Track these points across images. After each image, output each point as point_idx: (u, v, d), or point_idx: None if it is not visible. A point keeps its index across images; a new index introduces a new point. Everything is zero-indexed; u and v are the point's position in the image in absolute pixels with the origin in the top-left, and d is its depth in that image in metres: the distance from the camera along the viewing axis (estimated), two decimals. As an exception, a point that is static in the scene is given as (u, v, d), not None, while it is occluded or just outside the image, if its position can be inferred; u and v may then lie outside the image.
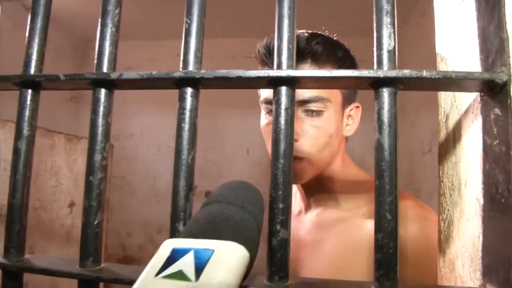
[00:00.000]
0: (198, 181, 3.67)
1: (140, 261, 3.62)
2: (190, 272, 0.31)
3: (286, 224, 0.43)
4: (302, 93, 0.72)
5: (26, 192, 0.52)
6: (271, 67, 0.78)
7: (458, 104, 0.56)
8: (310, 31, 0.83)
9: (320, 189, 0.85)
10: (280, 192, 0.43)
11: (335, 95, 0.78)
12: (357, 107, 0.86)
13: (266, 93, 0.79)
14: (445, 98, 0.61)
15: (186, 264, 0.32)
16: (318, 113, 0.75)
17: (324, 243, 0.81)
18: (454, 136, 0.57)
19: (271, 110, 0.78)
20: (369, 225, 0.74)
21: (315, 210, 0.87)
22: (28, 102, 0.52)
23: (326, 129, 0.76)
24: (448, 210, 0.58)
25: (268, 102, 0.79)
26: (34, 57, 0.52)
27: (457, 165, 0.56)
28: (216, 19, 2.99)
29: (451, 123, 0.58)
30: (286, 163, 0.44)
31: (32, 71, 0.52)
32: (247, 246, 0.36)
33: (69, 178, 2.19)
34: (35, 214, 1.89)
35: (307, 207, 0.90)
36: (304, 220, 0.90)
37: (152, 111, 3.80)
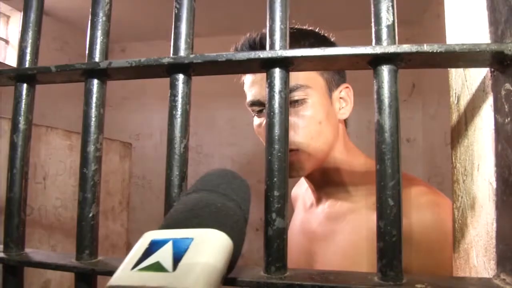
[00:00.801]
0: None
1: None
2: (167, 262, 0.30)
3: (282, 212, 0.41)
4: None
5: (24, 186, 0.52)
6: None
7: (469, 84, 0.53)
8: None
9: (328, 180, 0.82)
10: (275, 179, 0.41)
11: (316, 80, 0.76)
12: (347, 87, 0.83)
13: (250, 96, 0.78)
14: (456, 78, 0.57)
15: (163, 255, 0.31)
16: (301, 101, 0.74)
17: (335, 235, 0.79)
18: (466, 118, 0.53)
19: (259, 111, 0.77)
20: None
21: (326, 202, 0.85)
22: (24, 97, 0.52)
23: (313, 116, 0.74)
24: (462, 197, 0.55)
25: (253, 103, 0.78)
26: (28, 50, 0.52)
27: (469, 149, 0.52)
28: (221, 17, 2.98)
29: (463, 104, 0.55)
30: (280, 149, 0.41)
31: (26, 64, 0.52)
32: (229, 233, 0.34)
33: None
34: (56, 213, 1.92)
35: (318, 200, 0.88)
36: (316, 212, 0.88)
37: (165, 110, 3.82)
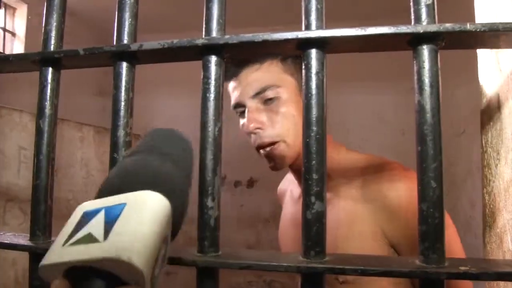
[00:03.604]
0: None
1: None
2: (98, 232, 0.28)
3: (321, 195, 0.40)
4: (251, 88, 0.79)
5: (51, 172, 0.51)
6: None
7: (502, 66, 0.52)
8: None
9: None
10: (314, 162, 0.40)
11: (286, 80, 0.81)
12: None
13: (232, 100, 0.85)
14: (487, 61, 0.56)
15: (95, 225, 0.29)
16: (274, 99, 0.80)
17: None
18: (499, 101, 0.52)
19: (242, 112, 0.83)
20: (364, 197, 0.76)
21: None
22: (49, 81, 0.51)
23: (286, 111, 0.80)
24: (493, 182, 0.54)
25: (236, 106, 0.84)
26: (53, 34, 0.51)
27: (502, 132, 0.51)
28: (243, 9, 2.94)
29: (494, 88, 0.54)
30: (319, 130, 0.41)
31: (52, 47, 0.51)
32: (168, 194, 0.32)
33: (99, 170, 2.22)
34: (68, 205, 1.92)
35: None
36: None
37: (180, 103, 3.80)
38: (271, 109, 0.80)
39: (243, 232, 3.62)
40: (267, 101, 0.80)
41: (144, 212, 0.30)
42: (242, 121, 0.85)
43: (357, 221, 0.75)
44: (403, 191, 0.71)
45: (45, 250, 0.49)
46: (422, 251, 0.38)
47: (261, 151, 0.81)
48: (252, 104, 0.79)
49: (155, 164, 0.35)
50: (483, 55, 0.57)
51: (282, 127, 0.80)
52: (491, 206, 0.54)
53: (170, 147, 0.38)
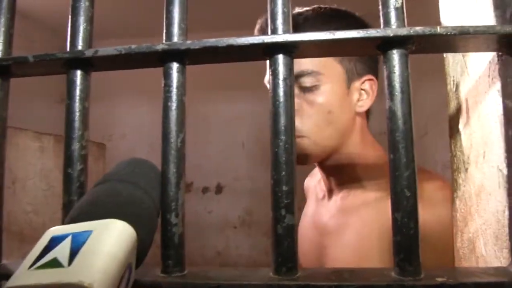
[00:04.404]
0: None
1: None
2: (64, 258, 0.30)
3: (291, 208, 0.38)
4: None
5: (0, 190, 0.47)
6: None
7: (470, 70, 0.51)
8: (305, 8, 0.78)
9: (341, 172, 0.79)
10: (283, 173, 0.38)
11: (332, 67, 0.73)
12: (371, 79, 0.78)
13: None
14: (454, 65, 0.56)
15: (61, 250, 0.30)
16: (312, 88, 0.72)
17: (347, 228, 0.76)
18: (467, 105, 0.52)
19: None
20: None
21: (339, 194, 0.82)
22: (-4, 91, 0.47)
23: (322, 104, 0.72)
24: (464, 186, 0.54)
25: None
26: (1, 39, 0.47)
27: (472, 136, 0.51)
28: (209, 13, 2.91)
29: (463, 91, 0.53)
30: (288, 140, 0.39)
31: (-1, 55, 0.47)
32: (134, 222, 0.34)
33: (60, 181, 2.12)
34: (26, 218, 1.82)
35: (330, 192, 0.85)
36: (328, 205, 0.85)
37: (143, 110, 3.73)
38: (305, 98, 0.72)
39: (211, 239, 3.58)
40: (303, 89, 0.72)
41: (108, 240, 0.31)
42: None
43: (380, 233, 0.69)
44: (447, 214, 0.61)
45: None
46: (398, 262, 0.37)
47: None
48: None
49: (124, 192, 0.37)
50: (451, 59, 0.56)
51: (311, 122, 0.72)
52: (462, 211, 0.54)
53: (140, 176, 0.39)
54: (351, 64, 0.75)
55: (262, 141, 3.70)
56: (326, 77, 0.72)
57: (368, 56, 0.76)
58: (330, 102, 0.72)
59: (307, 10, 0.76)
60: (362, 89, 0.77)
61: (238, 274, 0.40)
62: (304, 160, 0.75)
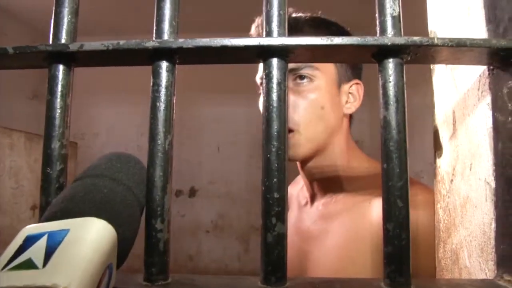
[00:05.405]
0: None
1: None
2: (39, 258, 0.28)
3: (282, 216, 0.37)
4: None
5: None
6: None
7: (458, 83, 0.52)
8: (293, 14, 0.79)
9: (324, 175, 0.80)
10: (275, 179, 0.37)
11: (327, 66, 0.76)
12: (357, 83, 0.82)
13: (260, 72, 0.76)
14: (442, 78, 0.56)
15: (36, 250, 0.29)
16: (308, 80, 0.73)
17: (329, 234, 0.76)
18: (454, 117, 0.52)
19: None
20: (374, 213, 0.70)
21: (321, 200, 0.83)
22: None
23: (316, 99, 0.74)
24: (449, 197, 0.54)
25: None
26: (-23, 29, 0.44)
27: (458, 148, 0.51)
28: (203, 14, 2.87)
29: (451, 104, 0.54)
30: (280, 146, 0.38)
31: (-26, 45, 0.44)
32: (114, 221, 0.32)
33: (30, 179, 2.05)
34: (-7, 217, 1.75)
35: (313, 197, 0.86)
36: (310, 211, 0.86)
37: (118, 109, 3.66)
38: (300, 90, 0.73)
39: (183, 243, 3.53)
40: (299, 79, 0.73)
41: (86, 240, 0.30)
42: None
43: (365, 242, 0.69)
44: (426, 221, 0.62)
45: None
46: (388, 274, 0.36)
47: None
48: None
49: (104, 189, 0.34)
50: (439, 71, 0.57)
51: (305, 116, 0.73)
52: (446, 221, 0.54)
53: (123, 172, 0.37)
54: (343, 67, 0.78)
55: (238, 145, 3.69)
56: (321, 72, 0.74)
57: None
58: (323, 98, 0.74)
59: (297, 14, 0.79)
60: (350, 92, 0.80)
61: (224, 282, 0.38)
62: (294, 155, 0.76)
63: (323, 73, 0.75)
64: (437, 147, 0.57)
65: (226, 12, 3.17)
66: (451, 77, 0.53)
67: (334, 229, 0.76)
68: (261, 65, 0.78)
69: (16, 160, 1.89)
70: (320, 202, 0.83)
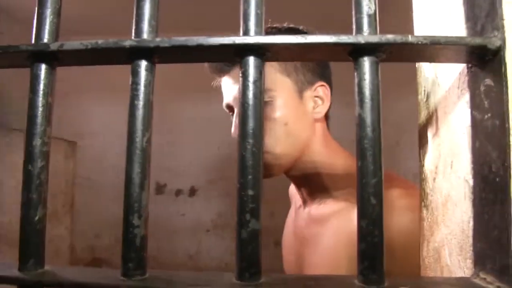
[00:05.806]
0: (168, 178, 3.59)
1: (109, 262, 3.48)
2: None
3: (257, 213, 0.37)
4: None
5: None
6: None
7: (440, 81, 0.52)
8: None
9: (309, 182, 0.81)
10: (250, 177, 0.38)
11: (281, 82, 0.76)
12: (322, 85, 0.82)
13: (224, 99, 0.79)
14: (426, 75, 0.56)
15: None
16: (267, 103, 0.74)
17: (320, 237, 0.78)
18: (437, 115, 0.53)
19: (233, 115, 0.77)
20: None
21: (312, 204, 0.84)
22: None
23: (278, 118, 0.75)
24: (432, 195, 0.54)
25: (227, 107, 0.79)
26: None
27: (440, 147, 0.52)
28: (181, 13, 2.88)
29: (433, 102, 0.54)
30: (255, 144, 0.38)
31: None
32: None
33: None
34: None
35: (304, 201, 0.87)
36: (304, 214, 0.87)
37: (116, 108, 3.67)
38: (264, 114, 0.75)
39: (183, 242, 3.54)
40: None
41: None
42: (233, 124, 0.79)
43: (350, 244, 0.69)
44: (407, 222, 0.63)
45: None
46: (362, 270, 0.37)
47: None
48: None
49: None
50: (423, 69, 0.57)
51: (270, 137, 0.75)
52: (429, 220, 0.54)
53: None
54: (300, 75, 0.78)
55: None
56: (277, 92, 0.75)
57: (316, 63, 0.79)
58: (285, 114, 0.75)
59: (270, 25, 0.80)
60: (316, 96, 0.80)
61: (201, 278, 0.39)
62: (268, 173, 0.77)
63: (280, 90, 0.75)
64: (421, 146, 0.57)
65: (226, 12, 3.17)
66: (434, 74, 0.53)
67: (324, 233, 0.77)
68: (225, 90, 0.80)
69: (16, 159, 1.90)
70: (311, 207, 0.84)
